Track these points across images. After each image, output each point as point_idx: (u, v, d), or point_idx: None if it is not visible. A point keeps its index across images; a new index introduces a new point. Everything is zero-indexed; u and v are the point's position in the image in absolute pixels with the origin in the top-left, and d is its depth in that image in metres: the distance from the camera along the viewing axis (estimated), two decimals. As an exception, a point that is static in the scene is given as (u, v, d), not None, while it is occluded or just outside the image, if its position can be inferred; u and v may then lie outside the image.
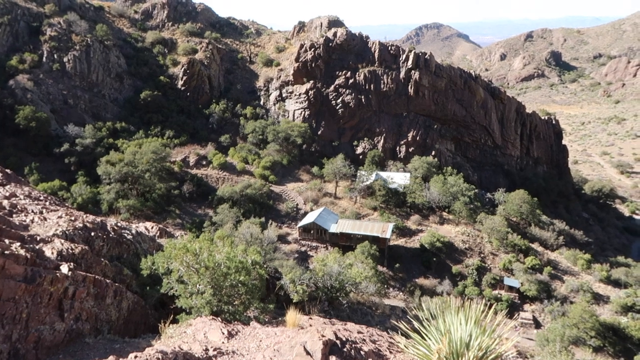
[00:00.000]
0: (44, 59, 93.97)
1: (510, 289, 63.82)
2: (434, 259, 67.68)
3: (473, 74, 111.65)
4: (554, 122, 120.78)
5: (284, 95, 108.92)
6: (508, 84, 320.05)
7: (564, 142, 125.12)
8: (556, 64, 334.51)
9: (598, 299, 64.51)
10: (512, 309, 60.86)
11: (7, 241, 12.29)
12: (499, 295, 62.36)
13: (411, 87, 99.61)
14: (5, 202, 17.85)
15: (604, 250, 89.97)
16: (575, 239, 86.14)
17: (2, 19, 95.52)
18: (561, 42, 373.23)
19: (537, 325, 59.07)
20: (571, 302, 61.31)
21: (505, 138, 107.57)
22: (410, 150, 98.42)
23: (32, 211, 18.57)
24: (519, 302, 63.19)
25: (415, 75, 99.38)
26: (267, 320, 18.50)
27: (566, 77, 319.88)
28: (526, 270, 66.39)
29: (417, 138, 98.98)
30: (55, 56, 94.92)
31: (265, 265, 30.14)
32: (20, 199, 19.86)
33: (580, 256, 74.65)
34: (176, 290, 17.65)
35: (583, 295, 63.48)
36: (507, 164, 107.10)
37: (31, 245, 13.69)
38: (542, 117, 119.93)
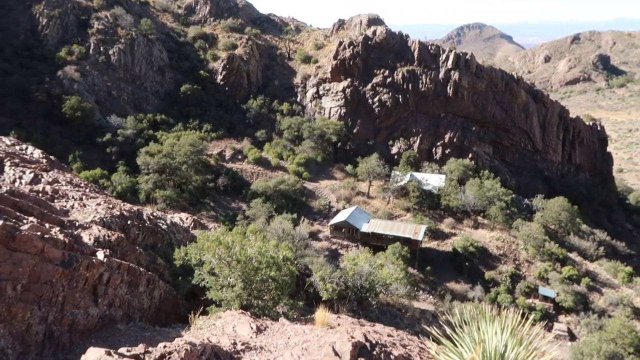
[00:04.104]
0: (91, 51, 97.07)
1: (545, 298, 61.84)
2: (467, 263, 66.27)
3: (515, 76, 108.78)
4: (599, 128, 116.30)
5: (320, 92, 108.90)
6: (552, 87, 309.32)
7: (609, 149, 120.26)
8: (604, 67, 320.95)
9: (639, 314, 61.74)
10: (546, 320, 58.93)
11: (47, 225, 12.63)
12: (532, 305, 60.52)
13: (450, 88, 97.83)
14: (47, 188, 18.43)
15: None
16: (616, 250, 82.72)
17: (53, 12, 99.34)
18: (610, 45, 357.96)
19: (572, 337, 57.02)
20: (609, 316, 58.91)
21: (546, 143, 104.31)
22: (447, 152, 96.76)
23: (73, 197, 19.11)
24: (553, 312, 61.14)
25: (455, 75, 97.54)
26: (295, 317, 18.45)
27: (614, 81, 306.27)
28: (562, 280, 64.17)
29: (454, 140, 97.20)
30: (102, 49, 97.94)
31: (296, 262, 30.16)
32: (62, 185, 20.47)
33: (622, 268, 71.57)
34: (207, 282, 17.82)
35: (623, 310, 60.77)
36: (547, 169, 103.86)
37: (70, 231, 14.05)
38: (587, 123, 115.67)
